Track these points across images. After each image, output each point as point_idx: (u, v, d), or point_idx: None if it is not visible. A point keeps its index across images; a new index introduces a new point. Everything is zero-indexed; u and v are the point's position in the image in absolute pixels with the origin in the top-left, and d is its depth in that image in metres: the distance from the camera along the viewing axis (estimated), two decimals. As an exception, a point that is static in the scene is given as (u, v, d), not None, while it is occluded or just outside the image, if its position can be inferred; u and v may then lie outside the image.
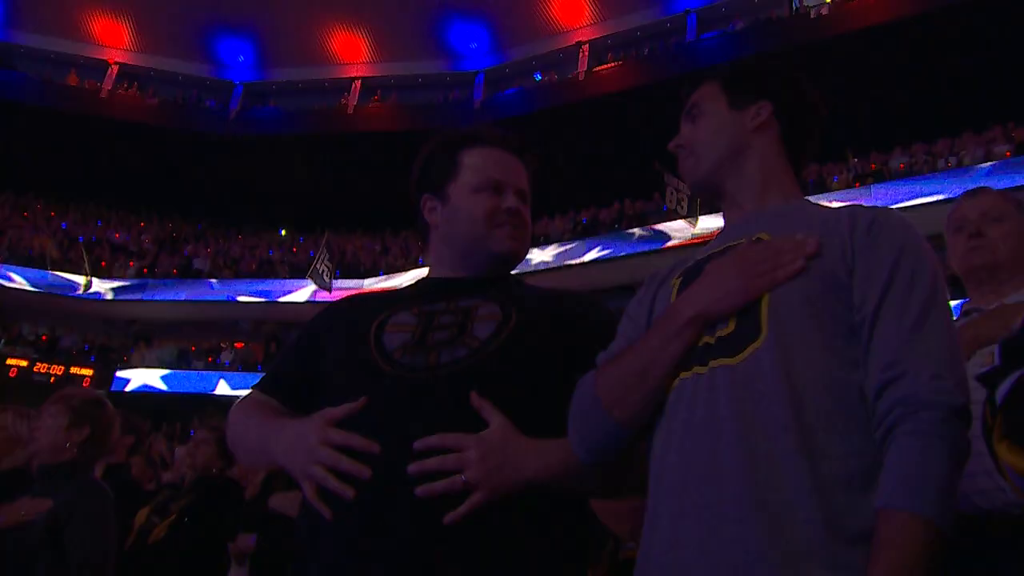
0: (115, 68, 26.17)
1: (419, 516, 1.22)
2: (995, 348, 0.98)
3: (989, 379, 0.98)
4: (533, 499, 1.27)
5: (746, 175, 1.37)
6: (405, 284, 1.63)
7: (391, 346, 1.37)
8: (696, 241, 14.04)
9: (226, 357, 21.43)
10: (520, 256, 1.55)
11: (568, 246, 19.65)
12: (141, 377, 20.65)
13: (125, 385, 20.21)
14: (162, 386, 20.56)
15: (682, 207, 12.09)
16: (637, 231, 18.57)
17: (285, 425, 1.39)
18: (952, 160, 16.13)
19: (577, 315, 1.47)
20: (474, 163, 1.57)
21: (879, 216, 1.21)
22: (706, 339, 1.18)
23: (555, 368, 1.37)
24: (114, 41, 26.39)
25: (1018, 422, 0.88)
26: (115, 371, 20.73)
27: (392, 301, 1.52)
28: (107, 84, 25.67)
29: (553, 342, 1.39)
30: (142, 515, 3.55)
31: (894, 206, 13.91)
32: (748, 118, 1.39)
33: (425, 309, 1.45)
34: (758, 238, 1.26)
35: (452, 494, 1.22)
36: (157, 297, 21.71)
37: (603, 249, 19.06)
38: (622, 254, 18.53)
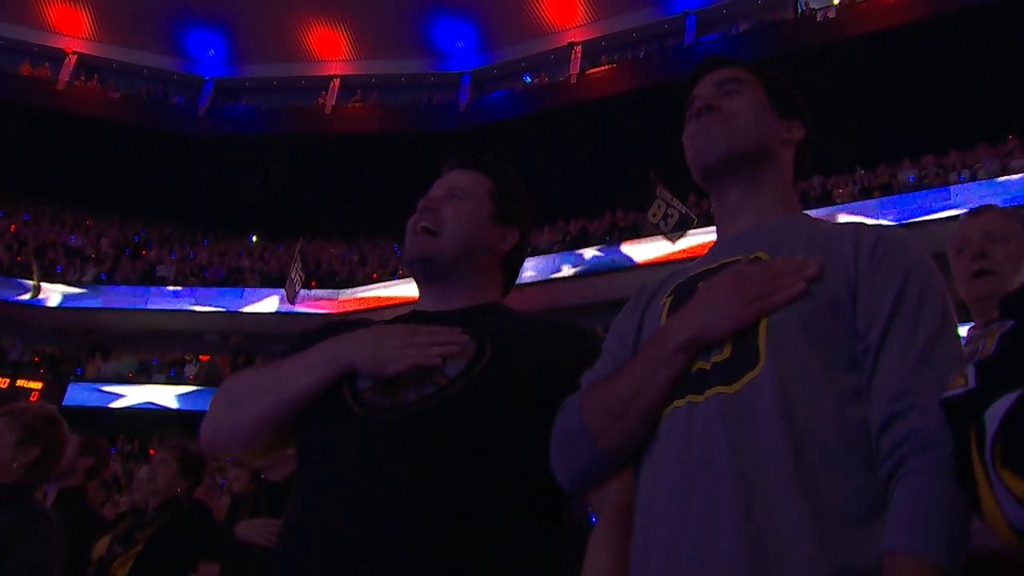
0: (73, 58, 26.02)
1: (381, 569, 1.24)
2: (968, 370, 0.98)
3: (961, 404, 0.96)
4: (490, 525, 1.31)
5: (761, 181, 1.38)
6: (397, 312, 1.66)
7: (362, 385, 1.41)
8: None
9: (190, 371, 21.28)
10: (426, 255, 1.57)
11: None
12: (96, 390, 20.46)
13: (77, 399, 19.99)
14: (121, 401, 20.39)
15: (667, 223, 12.01)
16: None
17: (338, 337, 1.48)
18: (965, 173, 16.26)
19: (560, 348, 1.47)
20: None
21: (884, 236, 1.21)
22: (700, 365, 1.17)
23: (529, 406, 1.38)
24: (72, 29, 26.24)
25: (1020, 447, 0.89)
26: (67, 384, 20.52)
27: None
28: (64, 75, 25.52)
29: (528, 379, 1.40)
30: (102, 545, 3.49)
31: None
32: (783, 128, 1.41)
33: None
34: (756, 257, 1.25)
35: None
36: (115, 305, 21.52)
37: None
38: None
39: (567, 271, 19.49)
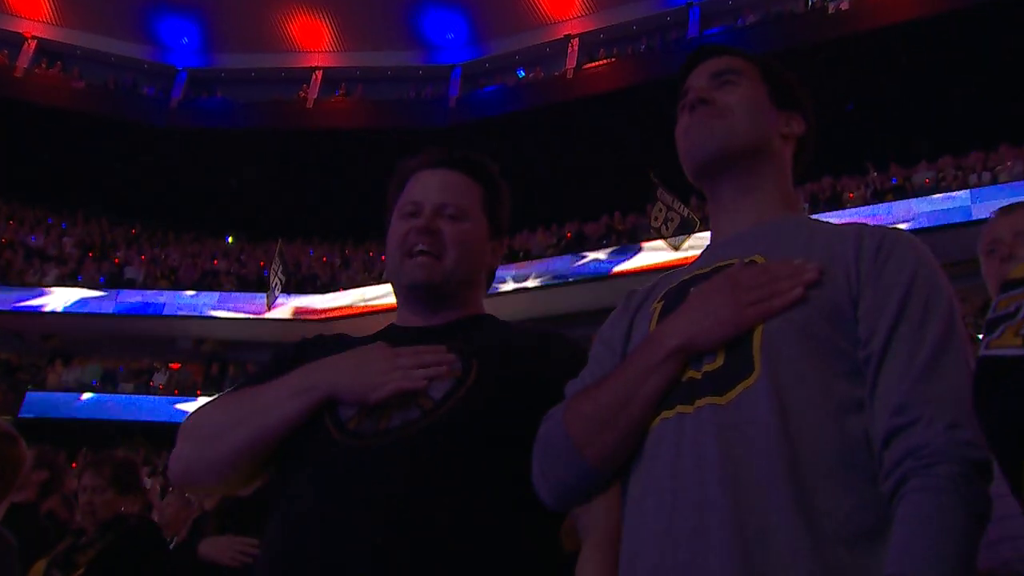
0: (33, 43, 25.79)
1: None
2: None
3: (1012, 367, 0.88)
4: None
5: (758, 179, 1.37)
6: (374, 330, 1.62)
7: (345, 412, 1.40)
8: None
9: (159, 379, 21.21)
10: (434, 282, 1.54)
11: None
12: (57, 399, 20.36)
13: (37, 409, 19.87)
14: (83, 411, 20.29)
15: (668, 228, 12.07)
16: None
17: (317, 363, 1.45)
18: (986, 176, 16.29)
19: (548, 360, 1.47)
20: (408, 189, 1.61)
21: (888, 237, 1.21)
22: (691, 374, 1.17)
23: (519, 425, 1.37)
24: (31, 12, 26.00)
25: None
26: (25, 393, 20.39)
27: None
28: (22, 62, 25.30)
29: (516, 395, 1.40)
30: (38, 568, 3.44)
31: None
32: (782, 122, 1.40)
33: None
34: (751, 260, 1.25)
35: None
36: (78, 309, 21.40)
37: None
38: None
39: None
